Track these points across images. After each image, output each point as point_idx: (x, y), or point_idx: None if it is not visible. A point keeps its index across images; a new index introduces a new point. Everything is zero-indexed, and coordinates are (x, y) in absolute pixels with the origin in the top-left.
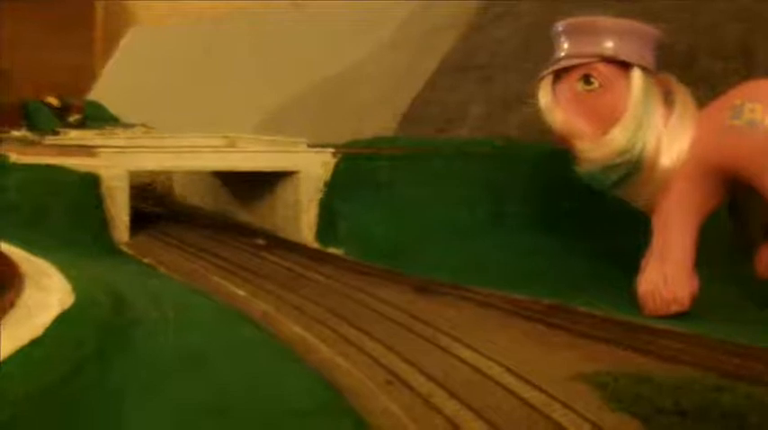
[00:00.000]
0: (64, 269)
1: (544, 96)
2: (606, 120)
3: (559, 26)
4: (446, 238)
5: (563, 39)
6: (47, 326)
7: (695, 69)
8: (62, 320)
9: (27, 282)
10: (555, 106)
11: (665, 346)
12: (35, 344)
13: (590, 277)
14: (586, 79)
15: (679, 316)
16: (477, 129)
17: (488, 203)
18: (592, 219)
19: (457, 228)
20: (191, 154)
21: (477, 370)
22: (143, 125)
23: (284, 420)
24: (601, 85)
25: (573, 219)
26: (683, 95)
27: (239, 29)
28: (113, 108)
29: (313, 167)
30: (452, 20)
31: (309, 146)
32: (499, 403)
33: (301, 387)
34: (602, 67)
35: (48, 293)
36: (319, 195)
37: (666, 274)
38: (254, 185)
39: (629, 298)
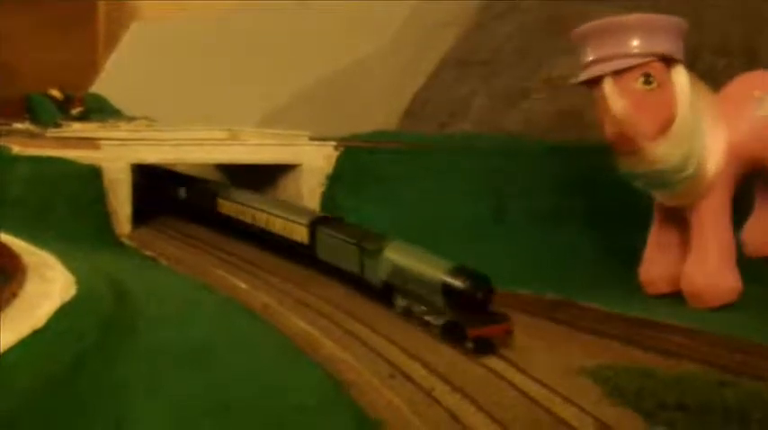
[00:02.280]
0: (66, 261)
1: (610, 91)
2: (664, 120)
3: (608, 24)
4: (448, 233)
5: (614, 37)
6: (49, 316)
7: (698, 66)
8: (64, 312)
9: (29, 274)
10: (621, 98)
11: (667, 341)
12: (37, 334)
13: (593, 272)
14: (646, 78)
15: (681, 311)
16: (480, 124)
17: (491, 199)
18: (594, 214)
19: (459, 223)
20: (193, 146)
21: (479, 364)
22: (145, 118)
23: (287, 414)
24: (659, 85)
25: (575, 214)
26: (706, 94)
27: (243, 25)
28: (116, 101)
29: (315, 160)
30: (454, 17)
31: (311, 139)
32: (501, 397)
33: (304, 380)
34: (658, 66)
35: (50, 285)
36: (321, 188)
37: (720, 267)
38: (256, 178)
39: (632, 293)
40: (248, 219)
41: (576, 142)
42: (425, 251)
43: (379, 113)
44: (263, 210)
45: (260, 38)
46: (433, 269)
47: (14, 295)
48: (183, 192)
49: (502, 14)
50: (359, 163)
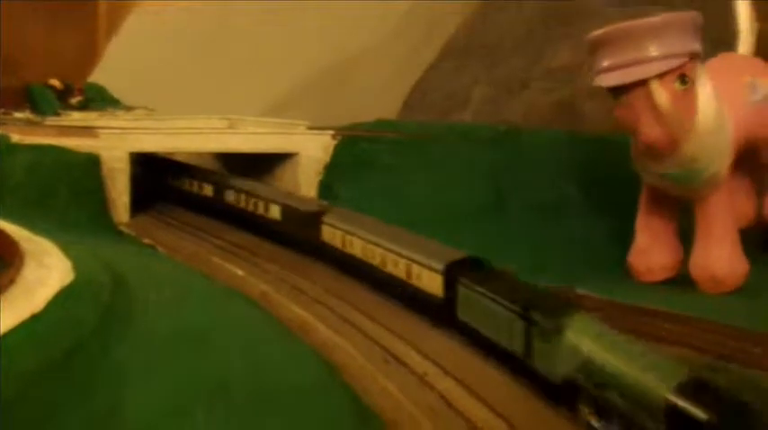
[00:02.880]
0: (64, 248)
1: (659, 92)
2: (694, 118)
3: (645, 25)
4: (446, 224)
5: (653, 38)
6: (47, 302)
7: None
8: (62, 297)
9: (27, 260)
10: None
11: (661, 328)
12: (36, 319)
13: (592, 261)
14: (682, 79)
15: (677, 297)
16: (480, 114)
17: (490, 189)
18: (593, 204)
19: (458, 213)
20: (191, 135)
21: (473, 350)
22: (145, 107)
23: (282, 397)
24: (691, 83)
25: (575, 203)
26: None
27: (243, 13)
28: (115, 90)
29: (313, 149)
30: (456, 6)
31: (309, 128)
32: (493, 381)
33: (299, 365)
34: (690, 65)
35: (48, 271)
36: (319, 178)
37: (733, 253)
38: (254, 167)
39: (628, 280)
40: (357, 253)
41: (576, 132)
42: (631, 339)
43: (380, 103)
44: (378, 245)
45: (261, 27)
46: (651, 377)
47: (12, 281)
48: (276, 212)
49: (503, 4)
50: (357, 152)
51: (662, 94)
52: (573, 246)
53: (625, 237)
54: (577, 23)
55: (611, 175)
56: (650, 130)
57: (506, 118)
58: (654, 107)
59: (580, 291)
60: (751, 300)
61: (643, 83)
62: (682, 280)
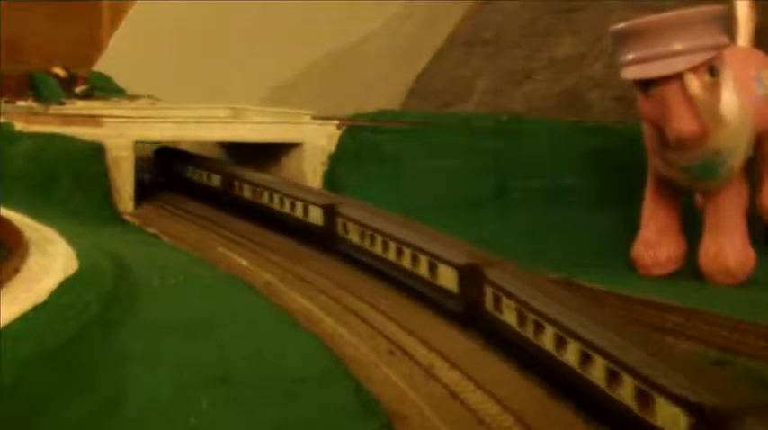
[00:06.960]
0: (68, 236)
1: (696, 85)
2: (719, 109)
3: (680, 16)
4: (449, 212)
5: (689, 28)
6: (51, 291)
7: None
8: (66, 286)
9: (32, 249)
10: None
11: (667, 321)
12: (39, 308)
13: (593, 251)
14: (713, 70)
15: (681, 291)
16: (483, 104)
17: (492, 178)
18: (594, 193)
19: (460, 202)
20: (196, 124)
21: (479, 342)
22: (149, 96)
23: (286, 386)
24: (719, 75)
25: (575, 193)
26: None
27: (248, 1)
28: (120, 79)
29: (317, 139)
30: None
31: (314, 118)
32: (500, 375)
33: (303, 354)
34: (720, 57)
35: (52, 260)
36: (323, 167)
37: (745, 244)
38: (258, 157)
39: (630, 272)
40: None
41: (577, 122)
42: None
43: (385, 92)
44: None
45: (264, 15)
46: None
47: (17, 270)
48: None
49: None
50: (361, 142)
51: (697, 86)
52: (573, 234)
53: (626, 226)
54: (581, 14)
55: (612, 164)
56: (683, 122)
57: (510, 107)
58: (688, 99)
59: (581, 282)
60: (755, 293)
61: (676, 75)
62: (682, 271)
